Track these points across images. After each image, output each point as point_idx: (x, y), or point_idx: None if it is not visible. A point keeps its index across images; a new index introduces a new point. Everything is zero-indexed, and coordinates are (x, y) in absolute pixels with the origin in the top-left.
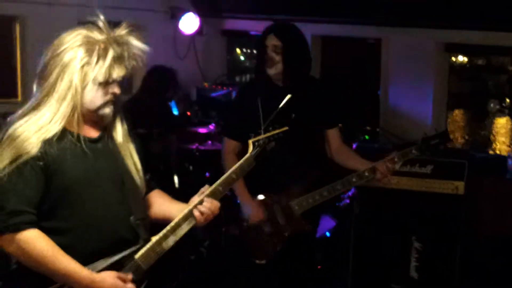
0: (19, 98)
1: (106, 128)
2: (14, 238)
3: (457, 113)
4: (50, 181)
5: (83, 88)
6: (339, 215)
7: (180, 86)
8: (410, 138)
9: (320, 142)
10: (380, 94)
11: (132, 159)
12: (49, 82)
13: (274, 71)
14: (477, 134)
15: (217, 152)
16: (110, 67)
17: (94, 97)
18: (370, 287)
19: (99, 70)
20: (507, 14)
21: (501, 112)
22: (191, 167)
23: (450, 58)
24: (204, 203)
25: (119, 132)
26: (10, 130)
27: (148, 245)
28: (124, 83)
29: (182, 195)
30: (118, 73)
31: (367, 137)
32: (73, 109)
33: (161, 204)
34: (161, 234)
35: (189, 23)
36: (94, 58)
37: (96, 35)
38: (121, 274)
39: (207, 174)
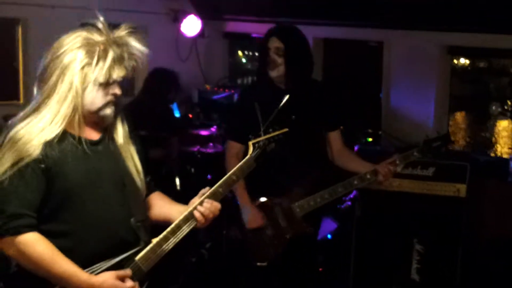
0: (21, 100)
1: (107, 129)
2: (13, 241)
3: (459, 116)
4: (52, 184)
5: (84, 90)
6: (341, 217)
7: (182, 88)
8: (412, 140)
9: (321, 144)
10: (382, 97)
11: (133, 161)
12: (49, 84)
13: (276, 73)
14: (478, 136)
15: (218, 154)
16: (110, 68)
17: (94, 98)
18: None
19: (99, 71)
20: (509, 16)
21: (502, 115)
22: (192, 170)
23: (452, 60)
24: (204, 204)
25: (120, 133)
26: (11, 133)
27: (148, 247)
28: (125, 84)
29: (184, 197)
30: (118, 73)
31: (369, 139)
32: (74, 110)
33: (161, 206)
34: (161, 236)
35: (191, 25)
36: (94, 60)
37: (96, 37)
38: (120, 272)
39: (208, 176)
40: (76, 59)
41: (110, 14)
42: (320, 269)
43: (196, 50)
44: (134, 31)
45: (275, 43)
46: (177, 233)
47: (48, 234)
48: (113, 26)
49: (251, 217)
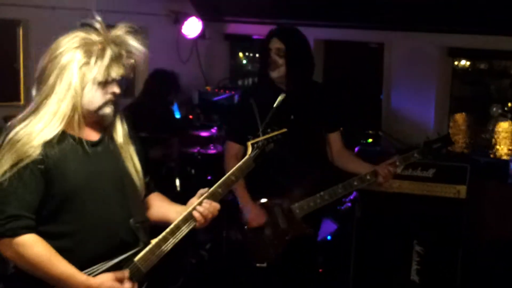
0: (22, 102)
1: (106, 129)
2: (11, 243)
3: (459, 117)
4: (51, 185)
5: (82, 89)
6: (341, 218)
7: (182, 90)
8: (412, 142)
9: (321, 145)
10: (382, 98)
11: (132, 161)
12: (47, 85)
13: (277, 74)
14: (479, 138)
15: (219, 155)
16: (109, 67)
17: (93, 97)
18: None
19: (97, 70)
20: (510, 17)
21: (503, 116)
22: (193, 171)
23: (453, 62)
24: (203, 204)
25: (120, 133)
26: (11, 135)
27: (147, 248)
28: (123, 83)
29: (184, 199)
30: (117, 72)
31: (369, 140)
32: (73, 110)
33: (160, 206)
34: (160, 236)
35: (192, 27)
36: (92, 59)
37: (94, 37)
38: (118, 274)
39: (209, 177)
40: (74, 59)
41: (110, 16)
42: (320, 270)
43: (196, 51)
44: (131, 30)
45: (276, 44)
46: (176, 234)
47: (48, 236)
48: (113, 27)
49: (253, 215)
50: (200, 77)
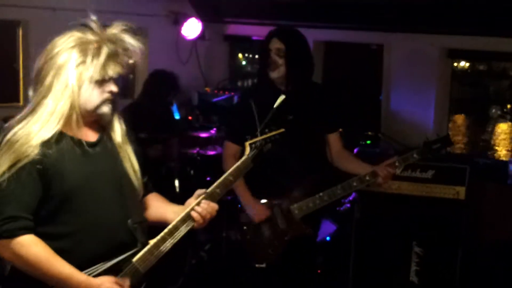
0: (21, 102)
1: (104, 129)
2: (9, 244)
3: (459, 118)
4: (49, 186)
5: (79, 88)
6: (340, 219)
7: (181, 90)
8: (411, 143)
9: (321, 146)
10: (382, 99)
11: (130, 161)
12: (44, 85)
13: (277, 74)
14: (478, 139)
15: (218, 156)
16: (105, 65)
17: (91, 96)
18: None
19: (94, 69)
20: (510, 19)
21: (502, 118)
22: (192, 172)
23: (453, 63)
24: (201, 204)
25: (118, 132)
26: (9, 135)
27: (145, 249)
28: (120, 81)
29: (183, 199)
30: (113, 70)
31: (368, 142)
32: (71, 109)
33: (158, 207)
34: (158, 237)
35: (192, 28)
36: (89, 58)
37: (89, 36)
38: (119, 280)
39: (208, 178)
40: (70, 59)
41: (110, 17)
42: (319, 270)
43: (196, 52)
44: (127, 28)
45: (276, 44)
46: (175, 234)
47: (46, 236)
48: (109, 26)
49: (256, 211)
50: (200, 78)
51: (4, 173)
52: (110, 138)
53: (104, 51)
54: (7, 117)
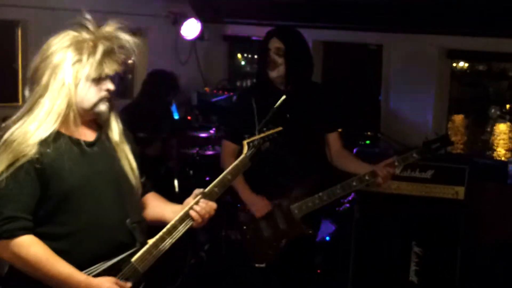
0: (20, 102)
1: (102, 128)
2: (8, 245)
3: (458, 119)
4: (47, 186)
5: (76, 86)
6: (339, 219)
7: (180, 90)
8: (411, 143)
9: (321, 146)
10: (381, 99)
11: (128, 160)
12: (41, 85)
13: (276, 73)
14: (477, 139)
15: (217, 156)
16: (102, 62)
17: (87, 94)
18: None
19: (90, 67)
20: (509, 19)
21: (501, 118)
22: (191, 172)
23: (452, 64)
24: (200, 203)
25: (115, 131)
26: (6, 135)
27: (144, 248)
28: (116, 79)
29: (182, 199)
30: (110, 67)
31: (368, 142)
32: (68, 107)
33: (156, 206)
34: (157, 236)
35: (191, 28)
36: (84, 56)
37: (84, 35)
38: (120, 282)
39: (207, 178)
40: (66, 58)
41: (109, 17)
42: (319, 270)
43: (195, 53)
44: (123, 26)
45: (275, 44)
46: (173, 234)
47: (45, 237)
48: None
49: (258, 206)
50: (199, 78)
51: (2, 173)
52: (108, 137)
53: (100, 49)
54: (7, 117)
